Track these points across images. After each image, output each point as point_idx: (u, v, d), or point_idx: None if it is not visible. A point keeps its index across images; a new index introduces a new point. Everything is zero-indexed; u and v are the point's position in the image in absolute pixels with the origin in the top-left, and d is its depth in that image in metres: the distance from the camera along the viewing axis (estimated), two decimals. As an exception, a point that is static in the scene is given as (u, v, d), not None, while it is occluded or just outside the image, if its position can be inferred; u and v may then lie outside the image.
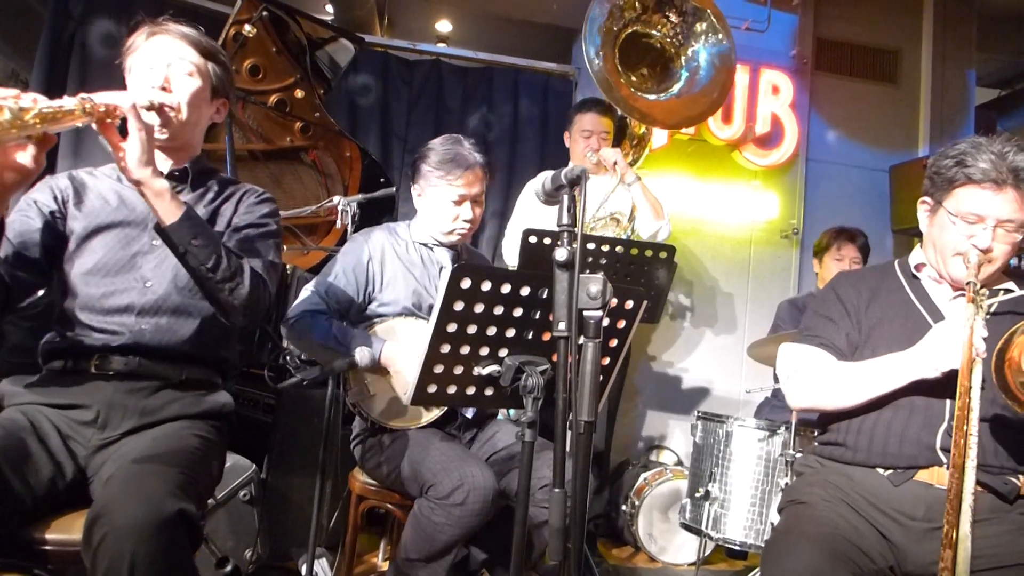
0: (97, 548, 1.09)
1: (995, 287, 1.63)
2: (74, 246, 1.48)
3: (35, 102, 1.11)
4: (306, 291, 2.03)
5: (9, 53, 4.40)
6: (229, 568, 2.21)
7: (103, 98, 1.26)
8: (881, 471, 1.56)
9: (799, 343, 1.72)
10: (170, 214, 1.35)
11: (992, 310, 1.55)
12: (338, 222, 2.54)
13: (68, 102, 1.19)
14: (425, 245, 2.14)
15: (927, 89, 4.35)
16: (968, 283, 1.47)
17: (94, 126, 1.27)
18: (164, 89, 1.47)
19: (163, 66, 1.49)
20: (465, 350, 1.43)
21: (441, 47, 4.55)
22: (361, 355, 1.84)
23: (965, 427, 1.37)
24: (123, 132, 1.33)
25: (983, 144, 1.55)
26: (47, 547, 1.25)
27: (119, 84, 4.06)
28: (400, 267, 2.07)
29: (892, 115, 4.33)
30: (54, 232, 1.47)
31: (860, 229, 3.18)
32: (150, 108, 1.40)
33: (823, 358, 1.66)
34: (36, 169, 1.19)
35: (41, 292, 2.36)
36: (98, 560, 1.09)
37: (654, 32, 3.03)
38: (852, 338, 1.67)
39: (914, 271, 1.71)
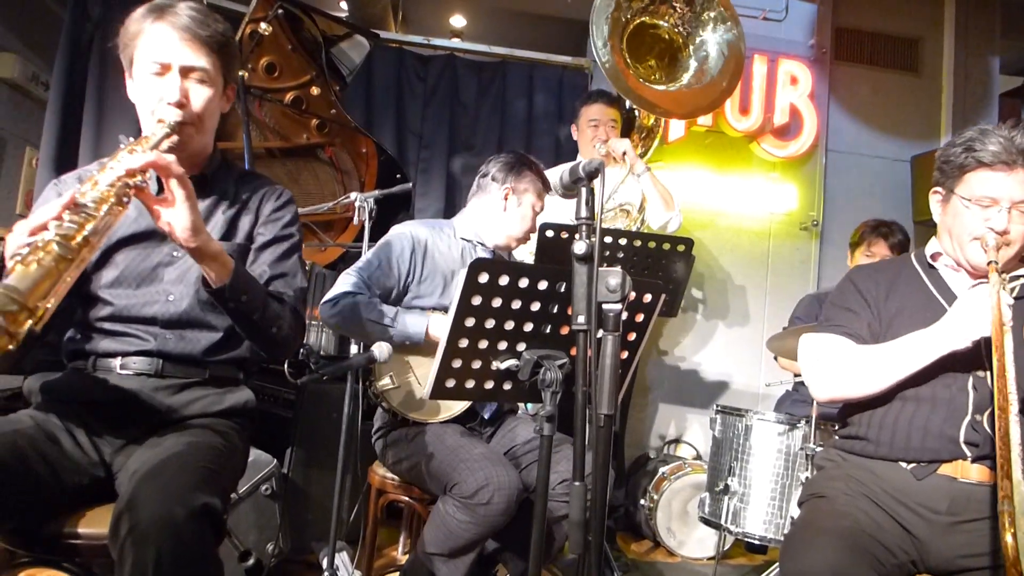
0: (124, 541, 1.10)
1: (1013, 273, 1.60)
2: (96, 260, 1.46)
3: (75, 217, 1.03)
4: (345, 276, 2.02)
5: (30, 56, 4.46)
6: (251, 561, 2.23)
7: (135, 163, 1.17)
8: (904, 465, 1.54)
9: (821, 332, 1.71)
10: (221, 276, 1.35)
11: (1013, 295, 1.53)
12: (355, 218, 2.54)
13: (104, 191, 1.10)
14: (469, 242, 2.18)
15: (949, 77, 4.28)
16: (990, 262, 1.47)
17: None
18: (181, 104, 1.39)
19: (175, 75, 1.40)
20: (483, 344, 1.43)
21: (455, 42, 4.55)
22: (380, 350, 1.85)
23: (1005, 391, 1.36)
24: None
25: (990, 130, 1.55)
26: (75, 541, 1.26)
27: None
28: (439, 263, 2.10)
29: (913, 104, 4.27)
30: None
31: (899, 225, 2.99)
32: (170, 135, 1.33)
33: (845, 344, 1.64)
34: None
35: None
36: (125, 553, 1.10)
37: (662, 23, 3.00)
38: (874, 328, 1.65)
39: (930, 261, 1.69)
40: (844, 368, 1.62)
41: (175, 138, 1.34)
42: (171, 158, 1.24)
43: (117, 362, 1.45)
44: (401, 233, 2.10)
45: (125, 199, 1.14)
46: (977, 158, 1.53)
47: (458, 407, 1.97)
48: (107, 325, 1.46)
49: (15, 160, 4.48)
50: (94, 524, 1.27)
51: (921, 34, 4.32)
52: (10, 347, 0.89)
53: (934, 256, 1.69)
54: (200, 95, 1.43)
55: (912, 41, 4.31)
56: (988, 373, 1.45)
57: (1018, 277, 1.59)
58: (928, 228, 4.08)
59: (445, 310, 2.04)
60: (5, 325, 0.88)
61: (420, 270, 2.08)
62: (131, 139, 1.32)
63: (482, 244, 2.18)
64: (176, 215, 1.25)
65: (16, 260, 0.96)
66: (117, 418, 1.42)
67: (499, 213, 2.16)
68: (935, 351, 1.49)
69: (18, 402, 1.47)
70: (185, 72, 1.41)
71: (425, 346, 1.95)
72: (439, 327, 1.92)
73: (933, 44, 4.32)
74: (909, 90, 4.28)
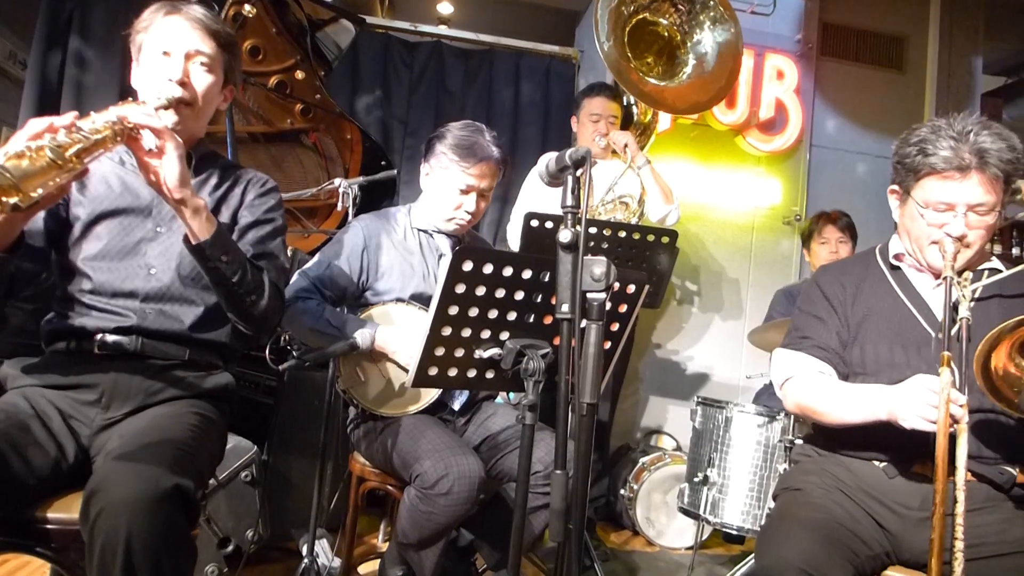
0: (94, 523, 1.09)
1: (979, 268, 1.60)
2: (79, 232, 1.48)
3: (71, 131, 1.11)
4: (298, 277, 2.00)
5: (7, 34, 4.36)
6: (231, 548, 2.22)
7: (133, 116, 1.24)
8: (876, 463, 1.56)
9: (792, 349, 1.70)
10: (204, 231, 1.37)
11: (977, 295, 1.53)
12: (339, 204, 2.52)
13: (102, 125, 1.18)
14: (425, 231, 2.11)
15: (933, 76, 4.32)
16: (945, 277, 1.42)
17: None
18: (183, 83, 1.46)
19: (181, 56, 1.47)
20: (467, 333, 1.42)
21: (442, 29, 4.51)
22: (362, 337, 1.84)
23: (942, 491, 1.30)
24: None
25: (942, 128, 1.50)
26: (48, 526, 1.25)
27: (118, 62, 4.00)
28: (396, 256, 2.05)
29: (897, 102, 4.31)
30: (57, 219, 1.47)
31: (839, 210, 3.19)
32: (168, 107, 1.40)
33: (815, 368, 1.64)
34: (60, 196, 1.22)
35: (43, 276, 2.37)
36: (95, 534, 1.09)
37: (662, 20, 3.02)
38: (842, 335, 1.65)
39: (894, 261, 1.68)
40: (809, 399, 1.62)
41: (173, 115, 1.42)
42: (168, 121, 1.31)
43: (96, 340, 1.44)
44: (353, 231, 2.05)
45: (119, 138, 1.21)
46: (930, 164, 1.49)
47: (425, 399, 1.94)
48: (88, 299, 1.46)
49: (-9, 140, 4.39)
50: (68, 509, 1.26)
51: (906, 32, 4.35)
52: None
53: (898, 256, 1.68)
54: (202, 79, 1.50)
55: (897, 39, 4.35)
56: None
57: (982, 274, 1.57)
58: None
59: (412, 299, 2.00)
60: None
61: (376, 267, 2.03)
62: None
63: (437, 231, 2.09)
64: (165, 165, 1.29)
65: (7, 155, 1.04)
66: (95, 400, 1.41)
67: (428, 194, 2.07)
68: (885, 416, 1.44)
69: (-6, 388, 1.44)
70: (190, 56, 1.49)
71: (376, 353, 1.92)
72: (385, 340, 1.89)
73: (918, 42, 4.36)
74: (894, 87, 4.32)
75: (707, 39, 2.97)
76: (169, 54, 1.47)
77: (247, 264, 1.46)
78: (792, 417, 2.48)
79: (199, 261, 1.39)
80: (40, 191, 1.06)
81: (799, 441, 2.36)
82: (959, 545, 1.30)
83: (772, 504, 1.72)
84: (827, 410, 1.56)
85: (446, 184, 2.01)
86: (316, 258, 2.04)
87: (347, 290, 2.01)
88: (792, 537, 1.39)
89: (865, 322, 1.63)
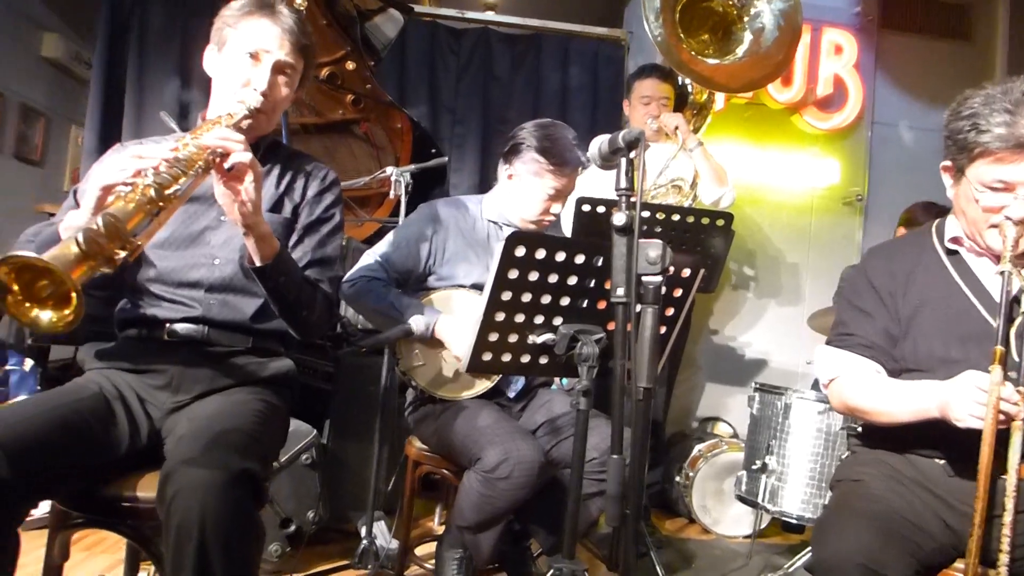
0: (170, 503, 1.14)
1: None
2: None
3: (171, 169, 1.14)
4: (367, 256, 2.04)
5: (72, 36, 4.54)
6: (292, 528, 2.29)
7: (217, 141, 1.27)
8: (937, 461, 1.47)
9: (836, 347, 1.60)
10: (268, 255, 1.40)
11: None
12: (391, 193, 2.55)
13: (197, 152, 1.21)
14: (494, 223, 2.11)
15: (1003, 45, 4.09)
16: (1001, 272, 1.32)
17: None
18: (266, 94, 1.48)
19: (268, 66, 1.49)
20: (520, 318, 1.43)
21: (489, 15, 4.49)
22: (416, 323, 1.86)
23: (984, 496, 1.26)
24: None
25: (996, 99, 1.36)
26: (127, 504, 1.32)
27: (176, 64, 4.11)
28: (463, 243, 2.06)
29: (965, 73, 4.09)
30: None
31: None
32: (249, 116, 1.43)
33: (861, 368, 1.55)
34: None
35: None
36: (171, 514, 1.14)
37: (716, -6, 2.93)
38: (891, 331, 1.54)
39: (950, 245, 1.55)
40: (855, 400, 1.54)
41: (251, 121, 1.45)
42: (248, 156, 1.31)
43: (165, 329, 1.50)
44: (424, 214, 2.08)
45: (209, 166, 1.24)
46: (983, 144, 1.36)
47: (484, 385, 1.96)
48: (155, 288, 1.51)
49: (60, 139, 4.58)
50: (145, 488, 1.32)
51: (972, 0, 4.13)
52: (106, 270, 1.01)
53: (955, 239, 1.55)
54: (282, 90, 1.54)
55: (963, 7, 4.14)
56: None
57: None
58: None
59: (473, 287, 2.01)
60: (107, 246, 0.99)
61: (442, 252, 2.04)
62: (170, 118, 1.37)
63: (508, 224, 2.10)
64: (244, 194, 1.31)
65: (117, 196, 1.07)
66: (165, 385, 1.47)
67: (511, 193, 2.07)
68: (937, 414, 1.36)
69: (72, 372, 1.52)
70: (278, 67, 1.51)
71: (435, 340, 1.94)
72: (444, 329, 1.91)
73: (986, 10, 4.14)
74: (960, 58, 4.11)
75: (766, 11, 2.87)
76: (258, 59, 1.49)
77: (303, 284, 1.50)
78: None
79: (259, 280, 1.43)
80: (140, 242, 1.08)
81: (860, 428, 2.29)
82: (1005, 546, 1.24)
83: (829, 494, 1.66)
84: (876, 409, 1.49)
85: (535, 189, 2.00)
86: (386, 239, 2.07)
87: (412, 272, 2.04)
88: (850, 529, 1.34)
89: (918, 314, 1.52)
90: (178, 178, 1.14)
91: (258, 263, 1.40)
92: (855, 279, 1.66)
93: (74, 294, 0.95)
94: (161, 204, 1.11)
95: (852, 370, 1.56)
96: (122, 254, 1.02)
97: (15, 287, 0.96)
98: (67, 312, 0.97)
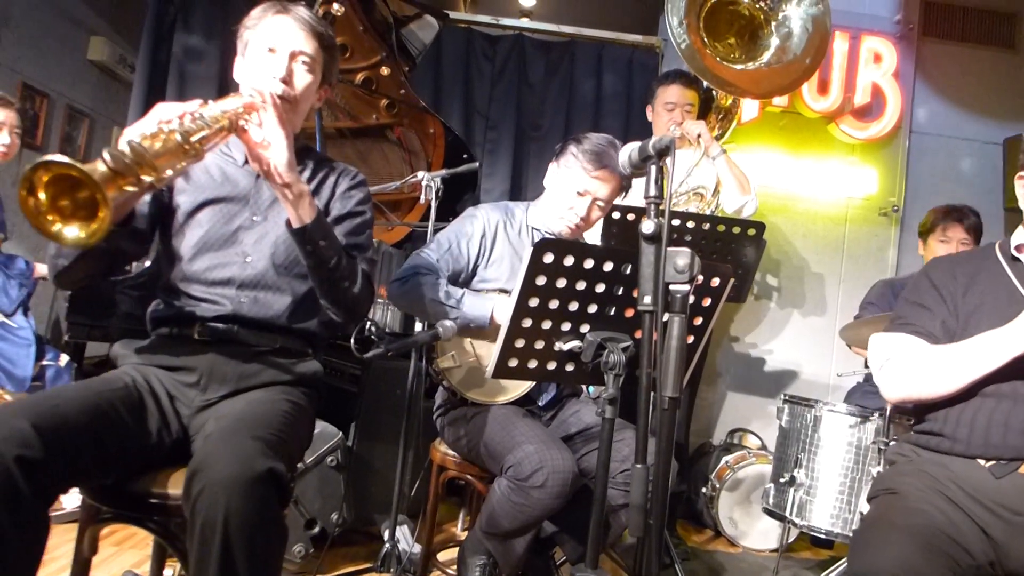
0: (196, 500, 1.15)
1: None
2: (182, 219, 1.56)
3: (196, 119, 1.20)
4: (414, 257, 2.04)
5: (117, 40, 4.67)
6: (316, 529, 2.31)
7: (243, 102, 1.33)
8: (982, 462, 1.46)
9: (891, 332, 1.61)
10: (307, 215, 1.42)
11: None
12: (422, 197, 2.56)
13: (220, 114, 1.27)
14: (537, 230, 2.12)
15: (1049, 54, 4.00)
16: None
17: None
18: (285, 81, 1.52)
19: (285, 55, 1.53)
20: (547, 325, 1.42)
21: (524, 22, 4.51)
22: (444, 329, 1.87)
23: None
24: None
25: None
26: (155, 500, 1.33)
27: (216, 68, 4.21)
28: (509, 248, 2.07)
29: (1008, 83, 4.00)
30: (160, 204, 1.56)
31: (970, 207, 2.85)
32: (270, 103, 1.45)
33: (917, 344, 1.55)
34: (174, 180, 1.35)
35: (148, 263, 2.52)
36: (196, 511, 1.15)
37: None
38: (949, 325, 1.55)
39: (1015, 252, 1.56)
40: (915, 369, 1.53)
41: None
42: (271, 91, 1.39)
43: (196, 328, 1.52)
44: (474, 216, 2.09)
45: (234, 128, 1.30)
46: None
47: (517, 390, 1.96)
48: (188, 287, 1.54)
49: (103, 140, 4.71)
50: (173, 485, 1.34)
51: (1018, 8, 4.03)
52: (132, 189, 1.06)
53: (1020, 247, 1.56)
54: (302, 78, 1.56)
55: (1008, 16, 4.03)
56: None
57: None
58: (1019, 215, 3.83)
59: (509, 294, 2.02)
60: (134, 166, 1.05)
61: (489, 254, 2.06)
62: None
63: (549, 232, 2.09)
64: (275, 152, 1.36)
65: (143, 135, 1.12)
66: (195, 383, 1.49)
67: (547, 192, 2.08)
68: (1010, 352, 1.38)
69: (105, 368, 1.55)
70: (294, 56, 1.54)
71: (489, 330, 1.95)
72: (504, 312, 1.91)
73: (1032, 18, 4.04)
74: (1004, 68, 4.01)
75: (794, 16, 2.82)
76: (274, 51, 1.53)
77: (343, 252, 1.51)
78: (887, 418, 2.35)
79: (299, 244, 1.44)
80: (170, 172, 1.14)
81: (893, 443, 2.24)
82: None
83: (867, 507, 1.63)
84: (939, 375, 1.47)
85: (565, 183, 2.01)
86: (438, 238, 2.08)
87: (461, 273, 2.05)
88: (888, 543, 1.32)
89: (976, 314, 1.53)
90: (201, 129, 1.19)
91: (296, 224, 1.42)
92: (917, 281, 1.67)
93: (103, 207, 1.00)
94: (186, 148, 1.16)
95: (906, 347, 1.55)
96: (148, 179, 1.08)
97: (41, 195, 1.01)
98: (94, 226, 1.02)
